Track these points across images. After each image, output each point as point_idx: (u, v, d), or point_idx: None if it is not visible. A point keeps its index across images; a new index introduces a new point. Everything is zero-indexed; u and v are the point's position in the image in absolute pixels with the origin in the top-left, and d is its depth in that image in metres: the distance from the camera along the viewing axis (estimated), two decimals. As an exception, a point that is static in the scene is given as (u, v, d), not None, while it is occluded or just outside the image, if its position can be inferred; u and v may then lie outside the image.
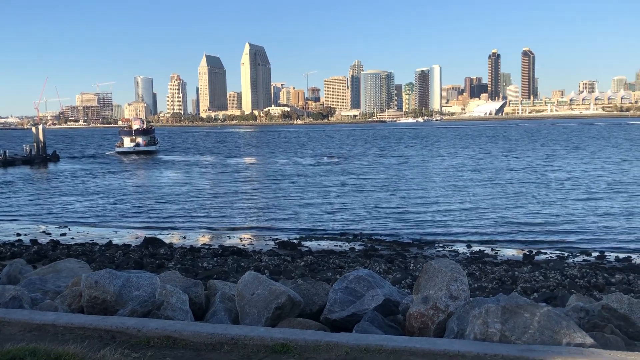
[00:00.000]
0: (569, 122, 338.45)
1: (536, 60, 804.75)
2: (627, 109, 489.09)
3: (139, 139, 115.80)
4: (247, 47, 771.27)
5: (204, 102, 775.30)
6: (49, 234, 31.63)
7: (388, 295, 9.60)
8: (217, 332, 7.30)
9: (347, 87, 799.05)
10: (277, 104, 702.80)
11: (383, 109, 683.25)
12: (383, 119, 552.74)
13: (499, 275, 19.69)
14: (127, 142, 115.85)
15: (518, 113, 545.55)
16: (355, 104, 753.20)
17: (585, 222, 32.14)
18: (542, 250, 25.42)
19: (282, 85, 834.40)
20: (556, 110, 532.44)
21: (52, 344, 6.88)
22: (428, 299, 8.44)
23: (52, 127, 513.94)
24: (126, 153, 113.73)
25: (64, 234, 31.48)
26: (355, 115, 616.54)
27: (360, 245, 27.38)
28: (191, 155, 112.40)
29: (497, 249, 26.15)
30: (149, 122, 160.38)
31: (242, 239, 29.52)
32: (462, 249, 26.22)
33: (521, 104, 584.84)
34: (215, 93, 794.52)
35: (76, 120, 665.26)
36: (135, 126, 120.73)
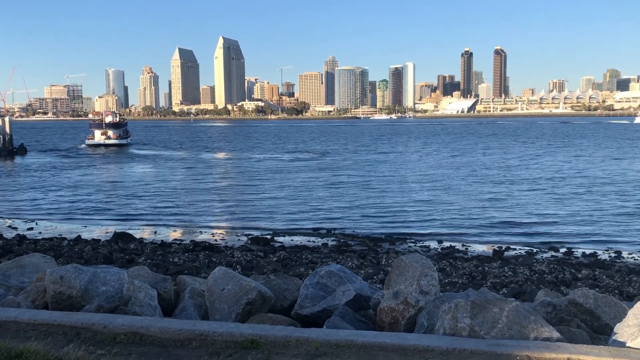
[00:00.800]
0: (545, 120, 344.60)
1: (508, 59, 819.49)
2: (595, 108, 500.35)
3: (110, 132, 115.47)
4: (220, 41, 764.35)
5: (177, 96, 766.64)
6: (15, 228, 30.89)
7: (359, 291, 9.60)
8: (186, 328, 7.19)
9: (322, 83, 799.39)
10: (251, 99, 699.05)
11: (357, 105, 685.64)
12: (357, 115, 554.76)
13: (469, 271, 19.91)
14: (98, 135, 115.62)
15: (490, 111, 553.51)
16: (330, 99, 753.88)
17: (554, 219, 32.73)
18: (512, 247, 25.82)
19: (256, 79, 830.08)
20: (527, 109, 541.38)
21: (13, 341, 6.68)
22: (399, 294, 8.46)
23: (20, 119, 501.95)
24: (97, 146, 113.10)
25: (31, 229, 30.77)
26: (329, 111, 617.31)
27: (333, 240, 27.41)
28: (163, 149, 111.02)
29: (467, 244, 26.46)
30: (121, 115, 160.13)
31: (214, 235, 29.28)
32: (433, 244, 26.46)
33: (493, 102, 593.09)
34: (188, 87, 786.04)
35: (45, 113, 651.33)
36: (107, 119, 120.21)
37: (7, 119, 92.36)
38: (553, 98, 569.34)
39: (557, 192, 44.04)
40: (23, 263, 12.32)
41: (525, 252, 24.68)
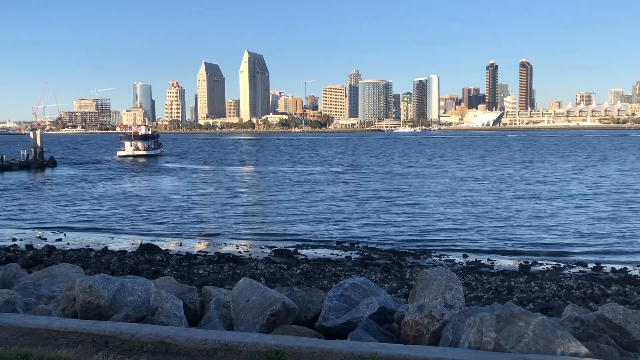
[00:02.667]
0: (574, 133, 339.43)
1: (534, 71, 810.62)
2: (624, 121, 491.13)
3: (139, 144, 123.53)
4: (246, 55, 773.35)
5: (202, 109, 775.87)
6: (45, 239, 31.54)
7: (383, 303, 9.58)
8: (211, 338, 7.27)
9: (345, 96, 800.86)
10: (275, 112, 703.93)
11: (381, 118, 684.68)
12: (381, 128, 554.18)
13: (495, 285, 19.68)
14: (128, 147, 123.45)
15: (515, 124, 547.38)
16: (353, 112, 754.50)
17: (582, 233, 32.17)
18: (539, 261, 25.43)
19: (280, 93, 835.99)
20: (553, 122, 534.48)
21: (44, 348, 6.85)
22: (423, 307, 8.43)
23: (50, 132, 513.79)
24: (128, 157, 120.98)
25: (60, 240, 31.38)
26: (353, 124, 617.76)
27: (357, 254, 27.35)
28: (191, 162, 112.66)
29: (493, 259, 26.15)
30: (151, 128, 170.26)
31: (238, 247, 29.46)
32: (458, 258, 26.21)
33: (518, 115, 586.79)
34: (213, 100, 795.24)
35: (74, 126, 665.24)
36: (141, 131, 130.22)
37: (38, 132, 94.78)
38: (580, 111, 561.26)
39: (589, 206, 43.27)
40: (53, 273, 12.60)
41: (552, 267, 24.29)
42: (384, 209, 42.48)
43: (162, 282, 10.96)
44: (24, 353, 6.49)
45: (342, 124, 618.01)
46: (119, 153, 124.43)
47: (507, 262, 25.60)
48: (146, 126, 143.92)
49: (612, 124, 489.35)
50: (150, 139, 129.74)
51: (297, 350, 6.90)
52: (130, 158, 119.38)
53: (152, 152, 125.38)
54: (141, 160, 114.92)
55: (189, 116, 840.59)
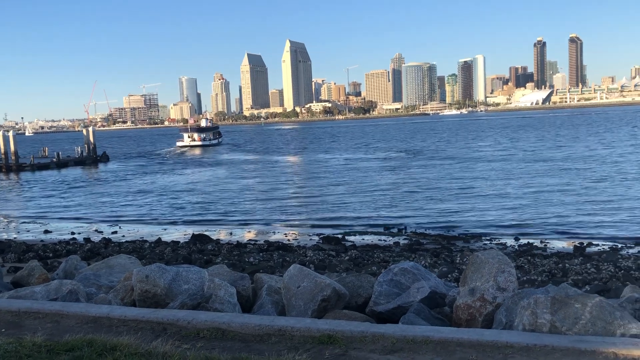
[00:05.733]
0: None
1: (584, 46, 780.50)
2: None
3: (195, 135, 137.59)
4: (287, 44, 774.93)
5: (247, 101, 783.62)
6: (101, 232, 32.69)
7: (434, 288, 9.54)
8: (265, 324, 7.42)
9: (389, 81, 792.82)
10: (319, 100, 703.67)
11: (426, 101, 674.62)
12: (426, 112, 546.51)
13: (548, 268, 19.21)
14: (186, 139, 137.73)
15: (566, 102, 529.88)
16: (397, 97, 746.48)
17: (637, 212, 30.97)
18: (594, 242, 24.65)
19: (323, 81, 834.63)
20: (606, 98, 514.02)
21: (107, 335, 7.15)
22: (475, 291, 8.35)
23: (102, 129, 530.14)
24: (186, 147, 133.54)
25: (115, 232, 32.47)
26: (397, 109, 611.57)
27: (405, 239, 27.19)
28: (243, 152, 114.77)
29: (546, 241, 25.52)
30: (211, 120, 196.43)
31: (286, 234, 29.78)
32: (510, 241, 25.71)
33: (569, 92, 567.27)
34: (257, 91, 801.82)
35: (124, 122, 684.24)
36: (202, 123, 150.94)
37: (90, 129, 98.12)
38: (636, 85, 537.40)
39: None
40: (111, 264, 13.10)
41: (609, 247, 23.50)
42: (434, 194, 42.01)
43: (215, 271, 11.23)
44: (88, 340, 6.80)
45: (386, 109, 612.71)
46: (178, 144, 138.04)
47: (560, 244, 24.93)
48: (207, 119, 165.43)
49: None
50: (209, 130, 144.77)
51: (350, 335, 6.96)
52: (187, 148, 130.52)
53: (207, 143, 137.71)
54: (197, 150, 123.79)
55: (234, 108, 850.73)
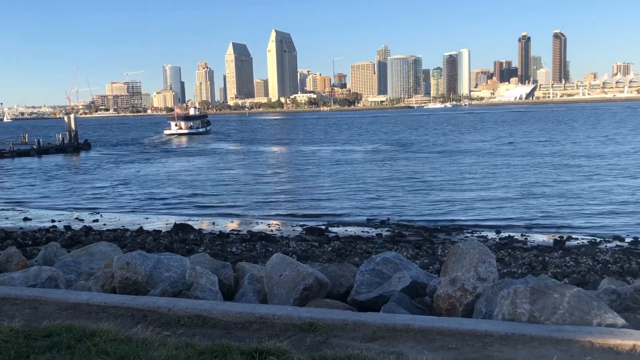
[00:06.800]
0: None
1: (568, 42, 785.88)
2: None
3: (182, 124, 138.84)
4: (273, 34, 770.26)
5: (231, 90, 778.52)
6: (82, 220, 32.36)
7: (415, 277, 9.60)
8: (246, 311, 7.42)
9: (374, 73, 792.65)
10: (304, 91, 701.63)
11: (410, 94, 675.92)
12: (411, 105, 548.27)
13: (528, 261, 19.45)
14: (173, 127, 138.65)
15: (549, 97, 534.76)
16: (382, 89, 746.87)
17: (618, 207, 31.47)
18: (574, 236, 25.00)
19: (308, 72, 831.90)
20: (588, 94, 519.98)
21: (86, 321, 7.09)
22: (456, 281, 8.42)
23: (83, 116, 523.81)
24: (174, 135, 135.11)
25: (96, 220, 32.17)
26: (382, 101, 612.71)
27: (388, 231, 27.33)
28: (228, 142, 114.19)
29: (527, 234, 25.82)
30: (200, 109, 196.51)
31: (270, 225, 29.75)
32: (491, 234, 25.97)
33: (552, 87, 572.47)
34: (242, 81, 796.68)
35: (106, 109, 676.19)
36: (190, 112, 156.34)
37: (72, 116, 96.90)
38: (617, 82, 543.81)
39: (621, 179, 42.24)
40: (92, 251, 12.98)
41: (588, 241, 23.85)
42: (416, 186, 42.23)
43: (197, 259, 11.18)
44: (67, 325, 6.74)
45: (371, 101, 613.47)
46: (166, 132, 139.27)
47: (541, 237, 25.25)
48: (195, 107, 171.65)
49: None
50: (197, 118, 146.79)
51: (331, 323, 6.99)
52: (175, 136, 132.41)
53: (194, 131, 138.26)
54: (183, 139, 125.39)
55: (218, 97, 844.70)
